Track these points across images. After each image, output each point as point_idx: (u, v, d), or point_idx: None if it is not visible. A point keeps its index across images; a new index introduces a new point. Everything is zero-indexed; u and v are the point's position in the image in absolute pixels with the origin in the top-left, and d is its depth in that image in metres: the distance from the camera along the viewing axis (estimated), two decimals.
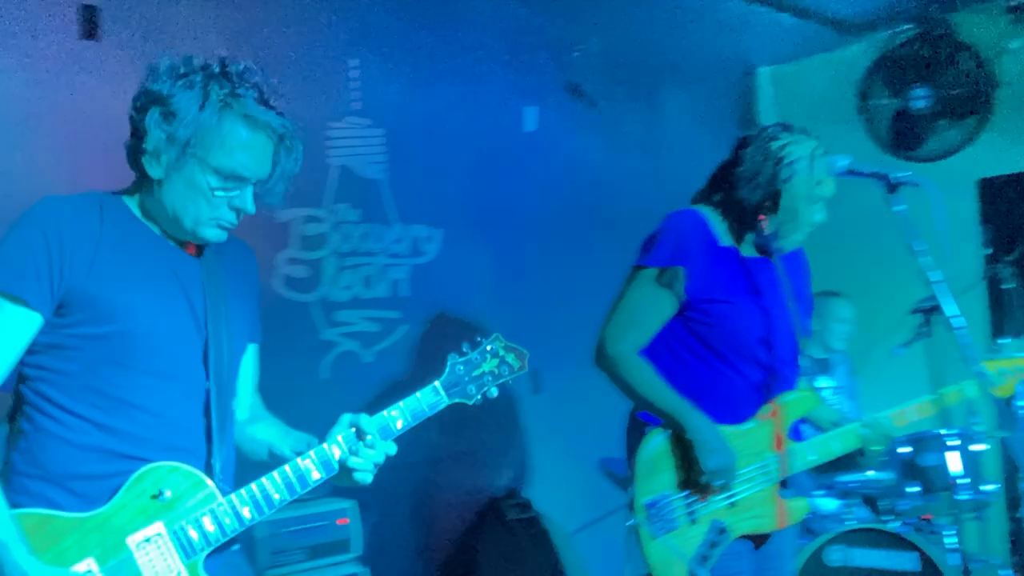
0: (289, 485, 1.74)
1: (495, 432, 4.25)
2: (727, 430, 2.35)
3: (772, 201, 2.38)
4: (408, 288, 4.02)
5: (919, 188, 2.26)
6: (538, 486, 4.27)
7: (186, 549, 1.67)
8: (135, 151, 1.70)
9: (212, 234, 1.75)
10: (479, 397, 1.89)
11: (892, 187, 2.27)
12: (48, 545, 1.60)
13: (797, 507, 2.44)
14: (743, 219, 2.42)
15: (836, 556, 3.50)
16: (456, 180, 4.16)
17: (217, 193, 1.70)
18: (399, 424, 1.81)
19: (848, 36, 4.95)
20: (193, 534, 1.68)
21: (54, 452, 1.66)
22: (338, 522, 3.25)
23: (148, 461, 1.68)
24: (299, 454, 1.77)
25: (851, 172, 2.35)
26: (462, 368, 1.87)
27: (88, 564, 1.62)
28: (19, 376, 1.69)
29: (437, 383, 1.85)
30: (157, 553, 1.65)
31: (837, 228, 4.61)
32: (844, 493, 3.80)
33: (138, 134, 1.69)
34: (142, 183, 1.75)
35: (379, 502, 3.78)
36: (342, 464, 1.76)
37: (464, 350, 1.89)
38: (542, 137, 4.47)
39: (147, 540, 1.65)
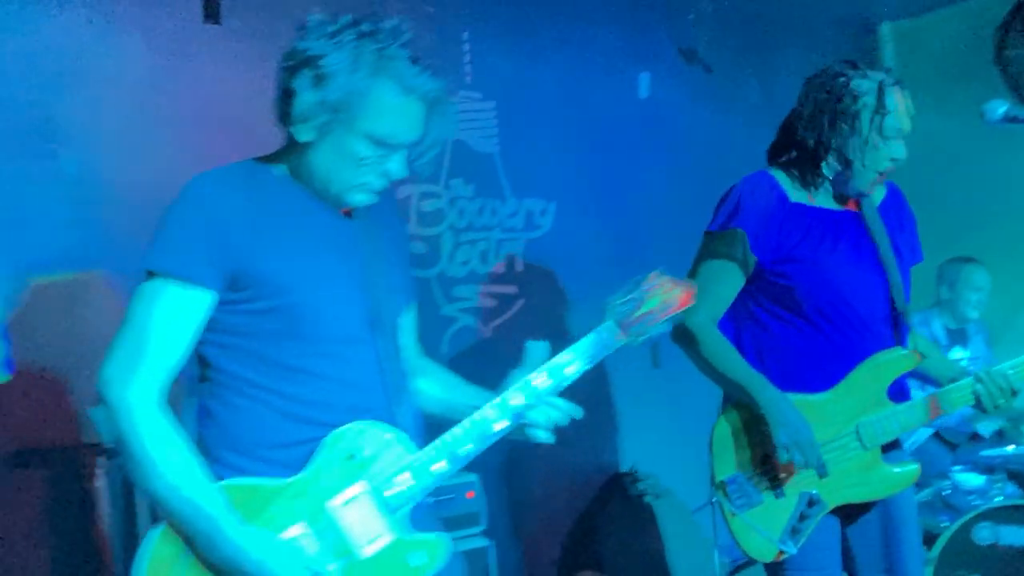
0: (477, 436, 1.69)
1: (615, 407, 4.19)
2: (813, 398, 2.23)
3: (841, 140, 2.22)
4: (523, 262, 3.99)
5: None
6: (659, 462, 4.19)
7: (389, 506, 1.65)
8: (283, 114, 1.64)
9: (359, 199, 1.70)
10: (647, 335, 1.77)
11: None
12: (256, 513, 1.59)
13: (904, 473, 2.27)
14: (813, 166, 2.27)
15: (984, 534, 3.33)
16: (568, 151, 4.10)
17: (367, 159, 1.64)
18: (572, 369, 1.72)
19: None
20: (393, 491, 1.65)
21: (242, 424, 1.65)
22: (466, 496, 3.25)
23: (336, 425, 1.65)
24: (474, 405, 1.72)
25: (1010, 119, 2.12)
26: (626, 308, 1.75)
27: (298, 528, 1.61)
28: (199, 354, 1.68)
29: (606, 324, 1.75)
30: (362, 513, 1.64)
31: (970, 188, 4.46)
32: (988, 468, 3.63)
33: (287, 96, 1.62)
34: (292, 147, 1.69)
35: (503, 476, 3.78)
36: (522, 415, 1.71)
37: (626, 289, 1.77)
38: (655, 104, 4.35)
39: (349, 501, 1.63)
